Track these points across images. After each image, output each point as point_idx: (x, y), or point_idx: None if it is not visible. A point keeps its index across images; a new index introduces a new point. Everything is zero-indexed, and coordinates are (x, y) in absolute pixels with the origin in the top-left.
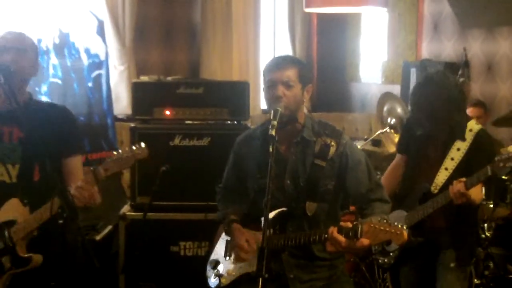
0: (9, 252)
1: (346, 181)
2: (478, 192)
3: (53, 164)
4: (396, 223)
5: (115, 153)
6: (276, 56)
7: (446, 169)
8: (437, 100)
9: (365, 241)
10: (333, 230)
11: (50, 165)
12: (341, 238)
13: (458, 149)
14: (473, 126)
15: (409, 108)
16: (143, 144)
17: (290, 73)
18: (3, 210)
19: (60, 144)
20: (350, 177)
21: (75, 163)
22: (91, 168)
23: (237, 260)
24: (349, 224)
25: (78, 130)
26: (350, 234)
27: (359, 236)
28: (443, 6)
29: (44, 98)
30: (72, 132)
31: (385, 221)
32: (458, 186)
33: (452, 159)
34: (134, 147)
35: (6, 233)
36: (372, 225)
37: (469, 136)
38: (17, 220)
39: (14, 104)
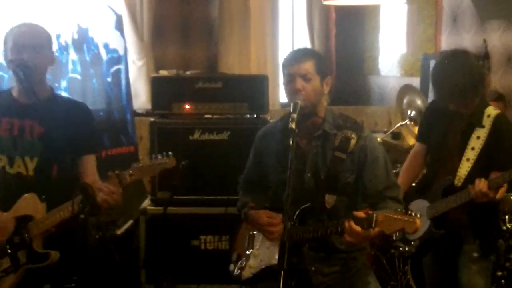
0: (25, 247)
1: (363, 176)
2: (502, 191)
3: (71, 162)
4: (410, 212)
5: (132, 150)
6: (294, 49)
7: (467, 160)
8: (460, 75)
9: (378, 230)
10: (350, 222)
11: (70, 163)
12: (358, 229)
13: (478, 137)
14: (491, 111)
15: (431, 89)
16: (171, 154)
17: (308, 66)
18: (20, 205)
19: (78, 142)
20: (367, 172)
21: (90, 162)
22: (117, 173)
23: (270, 240)
24: (363, 214)
25: (95, 129)
26: (365, 224)
27: (373, 225)
28: None
29: (63, 94)
30: (90, 131)
31: (399, 210)
32: (480, 185)
33: (473, 148)
34: (161, 156)
35: (23, 227)
36: (386, 214)
37: (487, 122)
38: (34, 216)
39: (34, 99)
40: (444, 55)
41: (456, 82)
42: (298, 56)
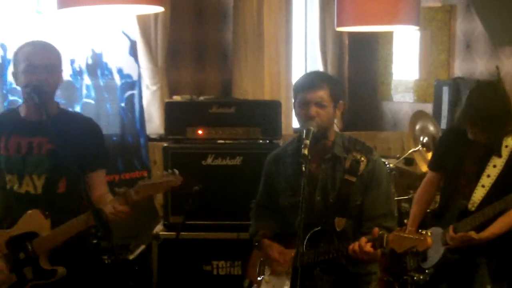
0: (31, 264)
1: (364, 200)
2: (491, 230)
3: (80, 177)
4: (420, 230)
5: (146, 175)
6: (307, 72)
7: (483, 186)
8: (496, 105)
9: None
10: (362, 241)
11: (78, 180)
12: (369, 248)
13: (495, 166)
14: (509, 142)
15: (460, 112)
16: (177, 171)
17: (323, 93)
18: (23, 221)
19: (86, 157)
20: (368, 197)
21: (99, 177)
22: (123, 191)
23: (273, 274)
24: (375, 234)
25: (104, 144)
26: (376, 244)
27: (384, 245)
28: (475, 24)
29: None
30: (98, 145)
31: (408, 229)
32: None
33: (489, 176)
34: (168, 173)
35: (28, 244)
36: (396, 233)
37: (505, 153)
38: (39, 232)
39: (44, 117)
40: (484, 83)
41: (496, 110)
42: (314, 82)
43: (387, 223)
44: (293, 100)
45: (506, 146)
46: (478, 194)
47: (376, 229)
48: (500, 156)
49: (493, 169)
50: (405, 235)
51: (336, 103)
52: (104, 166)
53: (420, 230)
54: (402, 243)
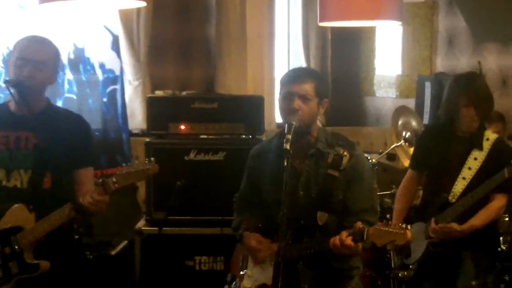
0: (16, 258)
1: (346, 194)
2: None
3: (66, 174)
4: (401, 224)
5: (124, 165)
6: (295, 67)
7: (463, 178)
8: (486, 86)
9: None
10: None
11: (64, 176)
12: (349, 242)
13: (475, 159)
14: (489, 135)
15: (426, 110)
16: (153, 159)
17: (308, 87)
18: (8, 216)
19: (74, 154)
20: (350, 191)
21: (87, 174)
22: (101, 181)
23: (256, 267)
24: (356, 227)
25: (93, 141)
26: (357, 237)
27: (365, 238)
28: (458, 20)
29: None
30: (86, 143)
31: (389, 223)
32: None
33: (470, 168)
34: (145, 162)
35: (13, 239)
36: (377, 227)
37: (486, 145)
38: (24, 226)
39: (26, 112)
40: (467, 74)
41: (487, 90)
42: (300, 75)
43: (369, 217)
44: (278, 95)
45: (487, 139)
46: (459, 186)
47: (358, 223)
48: (481, 149)
49: (474, 161)
50: (385, 228)
51: (321, 100)
52: (91, 164)
53: (400, 224)
54: (382, 237)
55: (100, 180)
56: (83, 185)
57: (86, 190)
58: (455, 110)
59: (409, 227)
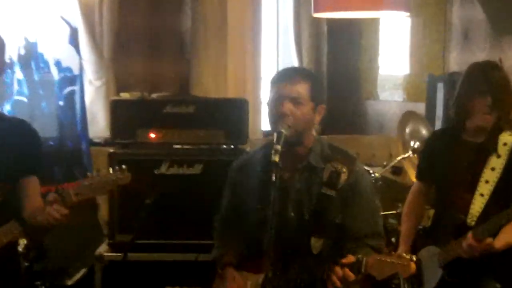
0: None
1: (345, 216)
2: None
3: (12, 187)
4: (404, 254)
5: (89, 174)
6: (287, 67)
7: (481, 195)
8: (505, 84)
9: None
10: (344, 269)
11: (9, 189)
12: (350, 275)
13: (493, 169)
14: (506, 138)
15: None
16: (124, 167)
17: (301, 89)
18: None
19: (18, 163)
20: (350, 214)
21: (33, 184)
22: (58, 189)
23: None
24: (352, 258)
25: (39, 148)
26: (354, 269)
27: (362, 270)
28: (475, 11)
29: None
30: (32, 150)
31: (392, 252)
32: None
33: (487, 181)
34: (115, 170)
35: None
36: (377, 257)
37: (504, 151)
38: None
39: None
40: (482, 62)
41: (501, 91)
42: (292, 75)
43: (373, 242)
44: (262, 99)
45: (505, 144)
46: (477, 205)
47: (350, 257)
48: (498, 156)
49: (492, 173)
50: (387, 259)
51: (316, 105)
52: (36, 173)
53: (404, 254)
54: (382, 269)
55: (58, 189)
56: (27, 199)
57: (32, 207)
58: (467, 104)
59: (414, 258)
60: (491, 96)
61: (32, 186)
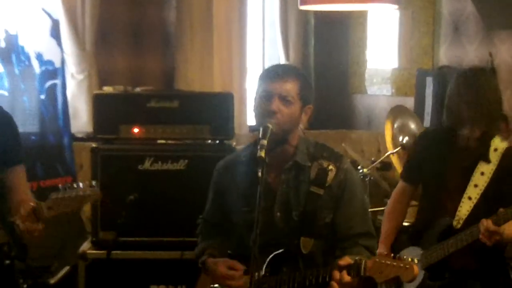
0: None
1: (336, 216)
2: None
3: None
4: (405, 257)
5: (70, 182)
6: (277, 64)
7: (469, 198)
8: (493, 95)
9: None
10: (343, 272)
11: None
12: (349, 279)
13: (482, 174)
14: (497, 144)
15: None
16: (94, 183)
17: (291, 87)
18: None
19: (3, 152)
20: (341, 213)
21: (19, 174)
22: (32, 205)
23: None
24: (349, 260)
25: (19, 138)
26: (352, 272)
27: (362, 273)
28: (465, 3)
29: None
30: (14, 140)
31: (391, 255)
32: (485, 223)
33: (476, 185)
34: (86, 185)
35: None
36: (377, 259)
37: (494, 157)
38: None
39: None
40: (469, 70)
41: (488, 102)
42: (282, 72)
43: (366, 242)
44: (250, 93)
45: (495, 150)
46: (464, 208)
47: (346, 258)
48: (488, 161)
49: (481, 177)
50: (387, 262)
51: (304, 104)
52: (21, 161)
53: (404, 257)
54: (383, 272)
55: (32, 204)
56: (15, 187)
57: (20, 199)
58: (457, 115)
59: (415, 260)
60: (479, 109)
61: (19, 178)
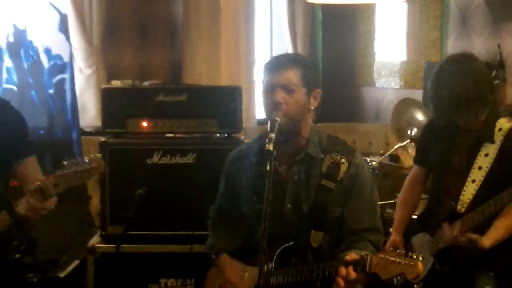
0: None
1: (344, 209)
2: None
3: (3, 176)
4: (410, 253)
5: (65, 162)
6: (278, 54)
7: (473, 181)
8: (464, 83)
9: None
10: (349, 268)
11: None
12: (354, 274)
13: (487, 155)
14: (503, 124)
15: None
16: (99, 155)
17: (291, 75)
18: None
19: (9, 149)
20: (349, 207)
21: (30, 164)
22: (38, 184)
23: None
24: (355, 256)
25: (27, 131)
26: (357, 268)
27: (367, 269)
28: None
29: None
30: (22, 133)
31: (397, 251)
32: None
33: (480, 168)
34: (90, 158)
35: None
36: (382, 256)
37: (498, 137)
38: None
39: None
40: (445, 61)
41: (459, 92)
42: (281, 62)
43: (371, 237)
44: (255, 86)
45: (500, 129)
46: (468, 191)
47: (352, 254)
48: (492, 142)
49: (485, 158)
50: (392, 258)
51: (310, 89)
52: (32, 153)
53: (409, 254)
54: (388, 268)
55: (38, 183)
56: (29, 178)
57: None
58: (443, 115)
59: (420, 257)
60: (462, 98)
61: (31, 166)
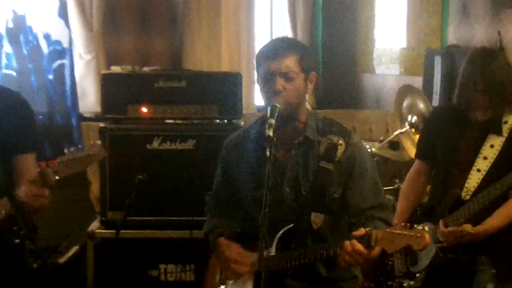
0: None
1: (348, 191)
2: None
3: (3, 163)
4: (415, 226)
5: (66, 151)
6: (272, 39)
7: (478, 170)
8: (502, 73)
9: (377, 250)
10: (352, 241)
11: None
12: (360, 247)
13: (492, 146)
14: (510, 117)
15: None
16: (98, 142)
17: (290, 62)
18: None
19: (12, 139)
20: (352, 187)
21: (29, 162)
22: (39, 170)
23: (233, 277)
24: (362, 231)
25: (35, 124)
26: (363, 242)
27: (372, 244)
28: None
29: None
30: (27, 125)
31: (402, 224)
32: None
33: (485, 158)
34: (91, 145)
35: None
36: (388, 230)
37: (504, 130)
38: None
39: None
40: (481, 53)
41: (503, 78)
42: (279, 49)
43: (381, 214)
44: (255, 73)
45: (506, 122)
46: (473, 180)
47: (361, 229)
48: (499, 134)
49: (491, 149)
50: (398, 231)
51: (307, 74)
52: (33, 150)
53: (415, 226)
54: (394, 241)
55: (38, 170)
56: (24, 175)
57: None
58: (467, 99)
59: (426, 228)
60: (489, 95)
61: (28, 164)
